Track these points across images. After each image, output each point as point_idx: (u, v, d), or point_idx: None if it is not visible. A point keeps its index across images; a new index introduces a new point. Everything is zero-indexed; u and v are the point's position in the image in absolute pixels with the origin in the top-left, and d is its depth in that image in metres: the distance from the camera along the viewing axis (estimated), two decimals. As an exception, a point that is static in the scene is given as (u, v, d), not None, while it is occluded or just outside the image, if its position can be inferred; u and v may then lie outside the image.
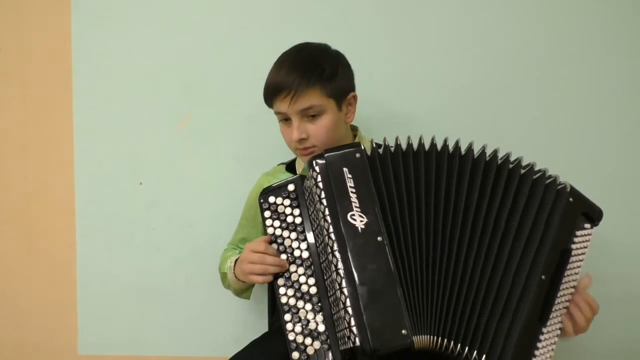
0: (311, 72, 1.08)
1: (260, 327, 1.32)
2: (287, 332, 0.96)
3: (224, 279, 1.27)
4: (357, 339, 0.87)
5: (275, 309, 1.28)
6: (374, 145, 1.00)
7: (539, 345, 0.95)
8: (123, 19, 1.53)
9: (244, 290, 1.24)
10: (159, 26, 1.52)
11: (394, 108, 1.48)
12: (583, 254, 1.01)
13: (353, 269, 0.90)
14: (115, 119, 1.54)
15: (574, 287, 1.00)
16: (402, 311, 0.89)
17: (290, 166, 1.27)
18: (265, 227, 1.03)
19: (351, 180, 0.95)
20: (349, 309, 0.88)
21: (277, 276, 1.00)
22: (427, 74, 1.47)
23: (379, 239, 0.92)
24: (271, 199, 1.03)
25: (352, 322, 0.88)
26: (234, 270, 1.15)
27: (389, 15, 1.47)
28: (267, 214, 1.03)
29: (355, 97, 1.17)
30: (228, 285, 1.25)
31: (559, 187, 1.00)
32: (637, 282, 1.48)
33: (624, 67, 1.44)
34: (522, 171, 1.00)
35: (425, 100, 1.47)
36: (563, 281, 0.97)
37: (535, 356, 0.94)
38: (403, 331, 0.88)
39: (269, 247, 1.01)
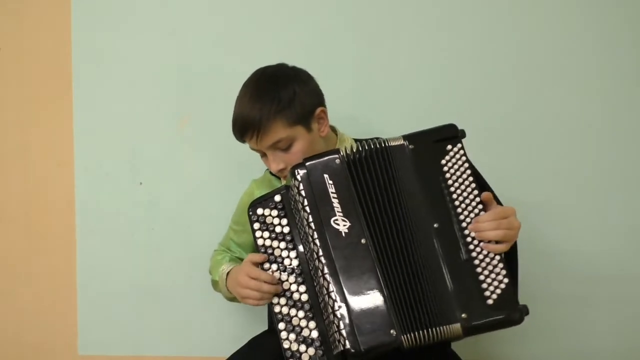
0: (268, 107, 1.05)
1: (259, 326, 1.31)
2: (282, 340, 0.97)
3: (215, 285, 1.27)
4: (347, 342, 0.88)
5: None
6: (357, 146, 1.00)
7: (482, 277, 0.92)
8: (123, 19, 1.53)
9: (235, 297, 1.24)
10: (159, 26, 1.52)
11: (385, 105, 1.49)
12: (465, 172, 0.97)
13: (339, 272, 0.92)
14: (115, 119, 1.54)
15: (480, 205, 0.96)
16: (389, 312, 0.90)
17: None
18: (255, 238, 1.05)
19: (332, 186, 0.97)
20: (337, 313, 0.89)
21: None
22: (418, 72, 1.48)
23: (363, 241, 0.94)
24: (259, 211, 1.05)
25: (341, 326, 0.89)
26: (225, 282, 1.16)
27: (389, 12, 1.47)
28: (256, 225, 1.05)
29: (324, 112, 1.14)
30: (219, 290, 1.25)
31: (396, 145, 0.99)
32: (631, 283, 1.48)
33: (621, 64, 1.45)
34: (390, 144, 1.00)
35: (412, 99, 1.48)
36: (459, 210, 0.95)
37: (484, 289, 0.91)
38: (392, 331, 0.89)
39: (266, 273, 1.01)
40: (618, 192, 1.46)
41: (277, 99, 1.06)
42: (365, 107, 1.48)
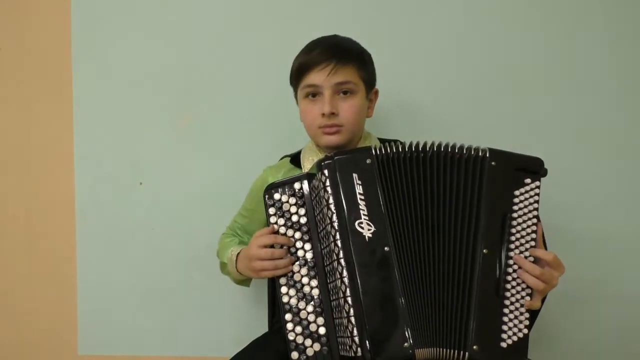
0: (350, 50, 1.11)
1: (260, 327, 1.31)
2: (288, 332, 0.96)
3: (223, 267, 1.25)
4: (358, 349, 0.86)
5: (275, 310, 1.27)
6: (385, 147, 0.96)
7: (505, 319, 0.91)
8: (123, 19, 1.53)
9: (244, 280, 1.22)
10: (159, 26, 1.52)
11: (400, 101, 1.48)
12: (532, 210, 0.95)
13: (358, 278, 0.89)
14: (115, 119, 1.54)
15: (531, 247, 0.94)
16: (405, 324, 0.87)
17: (295, 159, 1.23)
18: (269, 224, 1.02)
19: (360, 186, 0.92)
20: (352, 319, 0.87)
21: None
22: (429, 68, 1.48)
23: (386, 249, 0.90)
24: (276, 196, 1.01)
25: (355, 332, 0.87)
26: (235, 264, 1.14)
27: (390, 12, 1.47)
28: (271, 210, 1.01)
29: (377, 93, 1.19)
30: (227, 273, 1.23)
31: (478, 155, 0.95)
32: (634, 282, 1.48)
33: (622, 65, 1.45)
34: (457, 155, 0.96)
35: (428, 96, 1.48)
36: (512, 247, 0.93)
37: (504, 331, 0.91)
38: (405, 344, 0.86)
39: (275, 238, 1.00)
40: (618, 192, 1.46)
41: (359, 49, 1.14)
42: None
